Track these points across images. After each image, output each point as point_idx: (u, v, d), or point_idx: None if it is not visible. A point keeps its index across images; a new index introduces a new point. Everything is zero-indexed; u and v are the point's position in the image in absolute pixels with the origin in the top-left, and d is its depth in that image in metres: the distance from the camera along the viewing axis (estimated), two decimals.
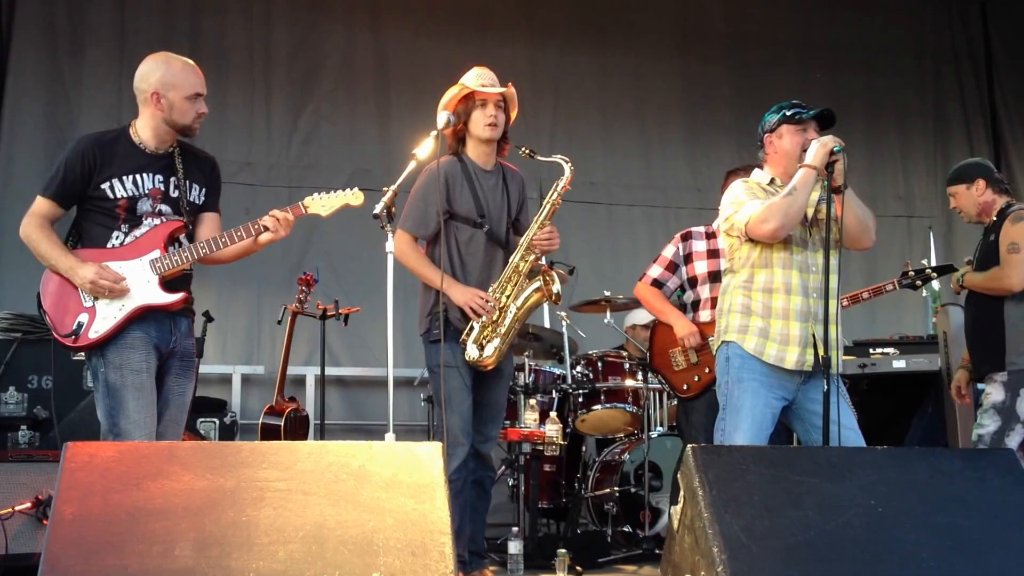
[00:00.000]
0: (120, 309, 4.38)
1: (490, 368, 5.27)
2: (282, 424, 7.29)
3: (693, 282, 6.27)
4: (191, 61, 4.63)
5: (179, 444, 3.02)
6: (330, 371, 8.42)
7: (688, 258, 6.30)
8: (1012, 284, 5.55)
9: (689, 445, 3.59)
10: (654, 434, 7.09)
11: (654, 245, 9.91)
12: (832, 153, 4.55)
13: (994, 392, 5.59)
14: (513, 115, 5.43)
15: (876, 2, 10.93)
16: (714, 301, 5.80)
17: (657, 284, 6.37)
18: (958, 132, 11.03)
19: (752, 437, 4.60)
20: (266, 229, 4.52)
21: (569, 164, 5.31)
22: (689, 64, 10.46)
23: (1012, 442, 5.45)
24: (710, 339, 5.55)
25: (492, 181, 5.41)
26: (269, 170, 9.23)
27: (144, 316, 4.42)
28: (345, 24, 9.66)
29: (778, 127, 4.84)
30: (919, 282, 5.48)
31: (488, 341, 5.23)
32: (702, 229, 6.36)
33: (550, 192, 5.33)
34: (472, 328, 5.22)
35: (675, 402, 7.16)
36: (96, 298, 4.39)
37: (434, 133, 4.92)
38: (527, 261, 5.29)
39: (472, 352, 5.21)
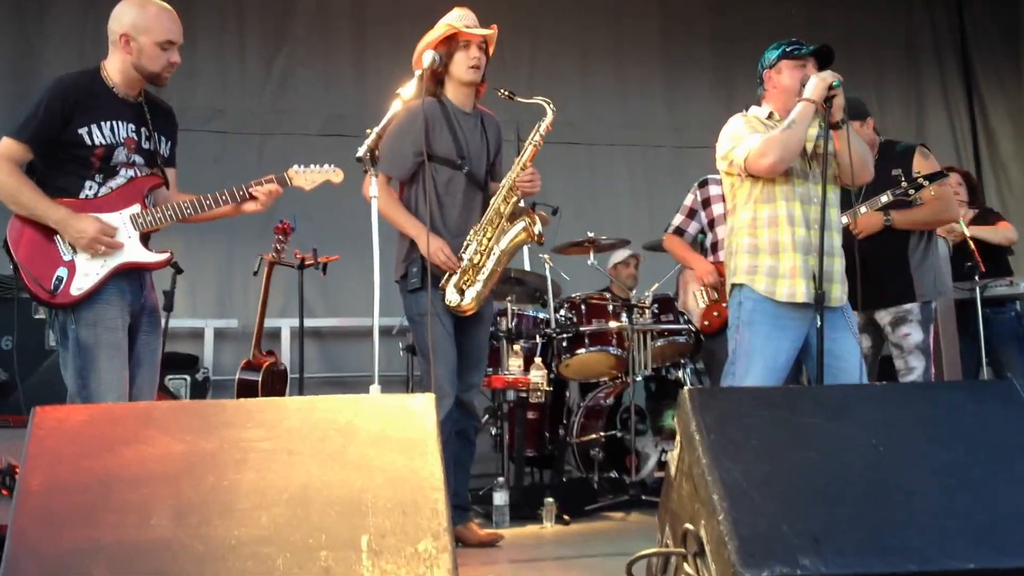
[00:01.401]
0: (103, 265, 4.20)
1: (470, 313, 5.17)
2: (260, 379, 7.15)
3: (712, 224, 6.50)
4: (170, 7, 4.41)
5: (157, 405, 2.84)
6: (306, 323, 8.30)
7: (706, 203, 6.57)
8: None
9: (684, 388, 3.49)
10: (639, 377, 6.98)
11: (633, 185, 9.97)
12: (831, 88, 4.50)
13: (913, 332, 5.60)
14: (490, 53, 5.30)
15: None
16: None
17: (679, 232, 6.61)
18: (930, 64, 11.12)
19: (765, 381, 4.52)
20: (253, 198, 4.46)
21: (551, 106, 5.17)
22: (666, 1, 10.34)
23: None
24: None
25: (471, 123, 5.31)
26: (241, 117, 9.08)
27: (119, 272, 4.24)
28: None
29: (777, 63, 4.81)
30: (912, 191, 5.41)
31: (469, 286, 5.13)
32: (718, 175, 6.34)
33: (532, 134, 5.20)
34: (452, 273, 5.13)
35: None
36: (75, 251, 4.18)
37: (419, 73, 4.81)
38: (509, 203, 5.19)
39: (452, 297, 5.11)
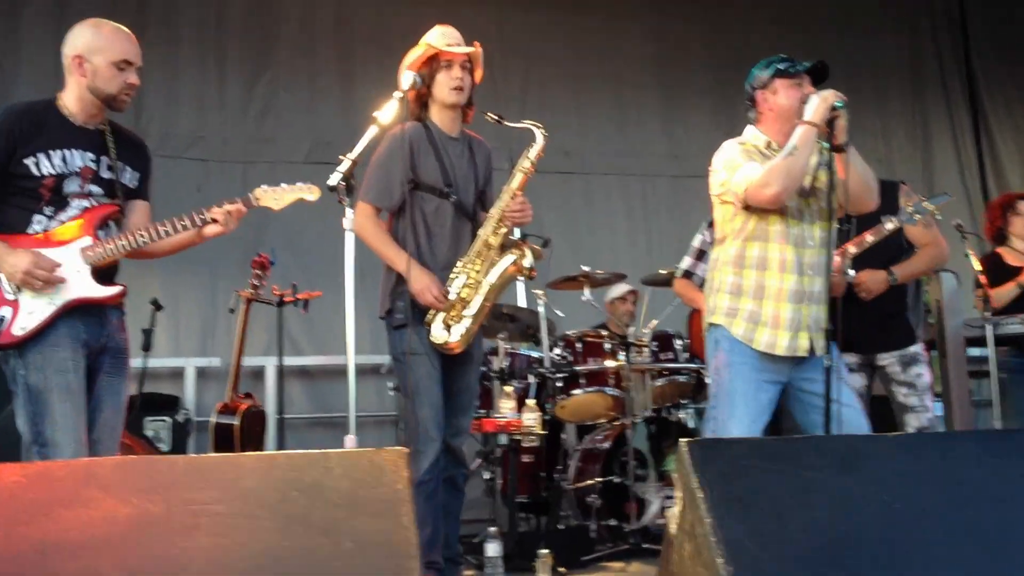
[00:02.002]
0: (49, 303, 4.02)
1: (457, 352, 4.93)
2: (237, 423, 6.95)
3: None
4: (125, 28, 4.27)
5: (99, 462, 2.64)
6: (291, 361, 8.21)
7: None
8: (947, 256, 5.74)
9: (682, 440, 3.31)
10: (638, 418, 6.81)
11: (630, 216, 9.87)
12: (834, 108, 4.30)
13: (925, 372, 5.52)
14: (478, 77, 5.10)
15: None
16: None
17: (687, 275, 6.47)
18: (935, 91, 11.06)
19: (748, 424, 4.39)
20: (214, 221, 4.25)
21: (541, 131, 4.97)
22: (664, 25, 10.27)
23: None
24: None
25: (458, 149, 5.08)
26: (223, 144, 8.94)
27: (71, 310, 4.06)
28: None
29: (771, 82, 4.58)
30: (918, 215, 5.31)
31: (456, 322, 4.89)
32: None
33: (521, 160, 4.99)
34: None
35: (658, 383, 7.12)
36: (20, 289, 4.01)
37: (398, 95, 4.57)
38: (498, 235, 4.96)
39: (438, 335, 4.87)
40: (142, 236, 4.14)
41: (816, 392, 4.31)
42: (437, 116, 5.03)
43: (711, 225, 6.22)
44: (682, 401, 7.30)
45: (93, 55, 4.14)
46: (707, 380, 6.97)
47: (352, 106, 9.05)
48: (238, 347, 7.20)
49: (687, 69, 10.24)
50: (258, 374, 8.45)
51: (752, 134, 4.67)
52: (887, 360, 5.53)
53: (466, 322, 4.90)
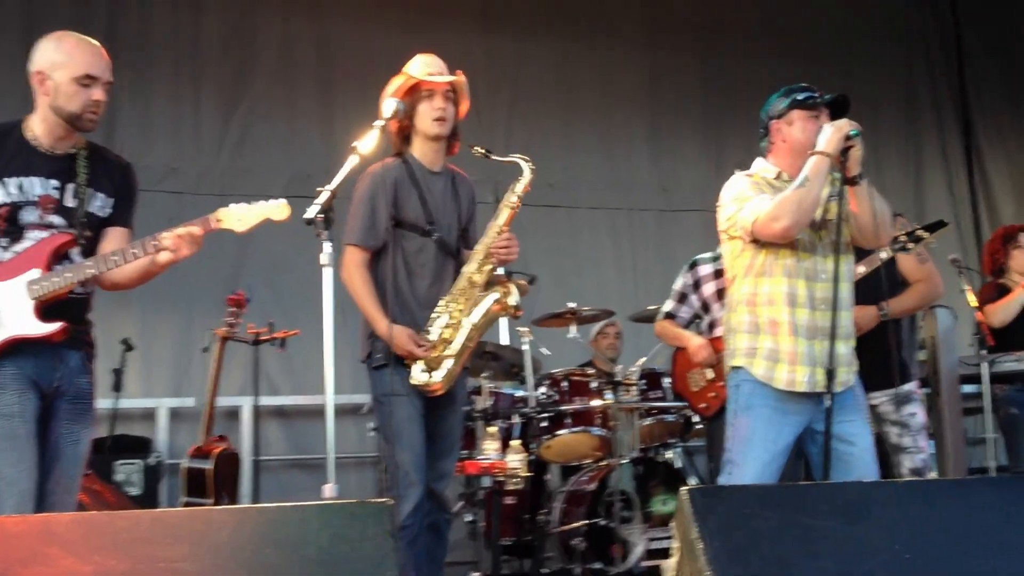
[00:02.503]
0: None
1: (440, 393, 4.78)
2: (211, 467, 6.80)
3: (706, 307, 6.36)
4: (92, 41, 4.05)
5: (57, 518, 2.49)
6: (268, 401, 8.11)
7: (697, 284, 6.39)
8: (941, 292, 5.77)
9: (682, 488, 3.21)
10: (625, 459, 6.67)
11: (618, 250, 9.79)
12: (848, 137, 4.19)
13: (919, 411, 5.53)
14: (464, 108, 4.97)
15: None
16: None
17: (670, 316, 6.50)
18: (929, 122, 11.06)
19: (761, 470, 4.28)
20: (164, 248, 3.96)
21: (529, 164, 4.88)
22: (655, 55, 10.21)
23: None
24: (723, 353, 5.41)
25: (440, 184, 4.96)
26: (198, 176, 8.79)
27: (19, 348, 3.83)
28: (283, 14, 9.26)
29: (787, 112, 4.47)
30: (911, 244, 5.38)
31: (437, 364, 4.75)
32: (707, 255, 6.38)
33: (507, 194, 4.88)
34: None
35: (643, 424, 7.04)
36: None
37: (379, 124, 4.45)
38: (483, 272, 4.84)
39: (419, 376, 4.73)
40: (89, 267, 3.90)
41: (832, 434, 4.19)
42: (419, 149, 4.90)
43: (692, 267, 6.34)
44: (670, 440, 7.24)
45: (54, 71, 3.94)
46: (695, 419, 6.94)
47: (332, 138, 8.95)
48: (212, 388, 7.04)
49: (677, 100, 10.18)
50: (233, 414, 8.29)
51: (761, 166, 4.57)
52: (879, 399, 5.50)
53: (448, 363, 4.77)
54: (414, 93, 4.82)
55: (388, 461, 4.81)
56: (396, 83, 4.86)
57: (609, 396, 6.87)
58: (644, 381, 7.07)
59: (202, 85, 8.95)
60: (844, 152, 4.21)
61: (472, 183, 5.15)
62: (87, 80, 3.94)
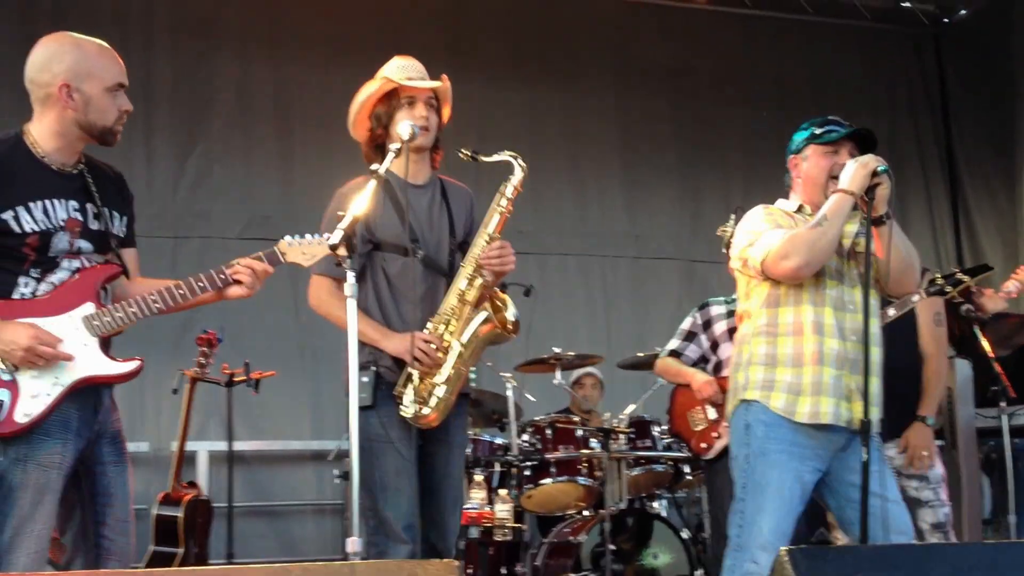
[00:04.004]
0: (55, 384, 3.57)
1: (434, 425, 4.38)
2: (181, 515, 6.66)
3: (715, 346, 6.07)
4: (105, 43, 3.82)
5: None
6: (221, 446, 7.84)
7: (707, 324, 6.13)
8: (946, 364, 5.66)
9: (782, 549, 3.08)
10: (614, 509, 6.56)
11: (591, 298, 9.73)
12: (875, 173, 4.03)
13: (938, 463, 5.38)
14: (446, 115, 4.69)
15: (825, 35, 10.91)
16: None
17: (675, 354, 6.20)
18: (914, 170, 11.07)
19: (779, 521, 4.03)
20: (237, 282, 3.80)
21: (519, 161, 4.55)
22: (627, 100, 10.23)
23: None
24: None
25: (426, 197, 4.60)
26: (150, 220, 8.55)
27: (73, 392, 3.60)
28: (240, 54, 9.24)
29: (804, 147, 4.33)
30: (949, 287, 5.17)
31: (430, 393, 4.37)
32: (720, 297, 6.21)
33: (497, 196, 4.52)
34: (409, 376, 4.35)
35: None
36: (17, 368, 3.54)
37: (395, 147, 4.21)
38: (475, 287, 4.43)
39: (409, 408, 4.33)
40: (155, 302, 3.70)
41: (856, 484, 3.98)
42: (398, 161, 4.40)
43: (704, 307, 6.14)
44: (656, 491, 7.18)
45: (83, 82, 3.66)
46: (685, 469, 6.83)
47: (291, 180, 8.99)
48: (182, 431, 6.93)
49: (649, 147, 10.20)
50: (189, 459, 8.07)
51: (783, 202, 4.46)
52: (894, 450, 5.33)
53: (439, 391, 4.38)
54: (391, 100, 4.53)
55: (369, 514, 4.38)
56: (370, 88, 4.57)
57: (595, 444, 6.77)
58: (633, 429, 6.95)
59: (154, 126, 8.86)
60: (870, 190, 4.06)
61: (470, 192, 4.82)
62: (118, 88, 3.75)
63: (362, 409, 4.18)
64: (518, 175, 4.55)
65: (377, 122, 4.49)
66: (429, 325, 4.42)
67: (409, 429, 4.37)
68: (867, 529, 3.87)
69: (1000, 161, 10.96)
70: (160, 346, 7.85)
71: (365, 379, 4.33)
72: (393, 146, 4.24)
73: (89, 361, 3.63)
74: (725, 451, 5.53)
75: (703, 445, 5.97)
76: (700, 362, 6.17)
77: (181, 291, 3.72)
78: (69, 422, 3.61)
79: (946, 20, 11.18)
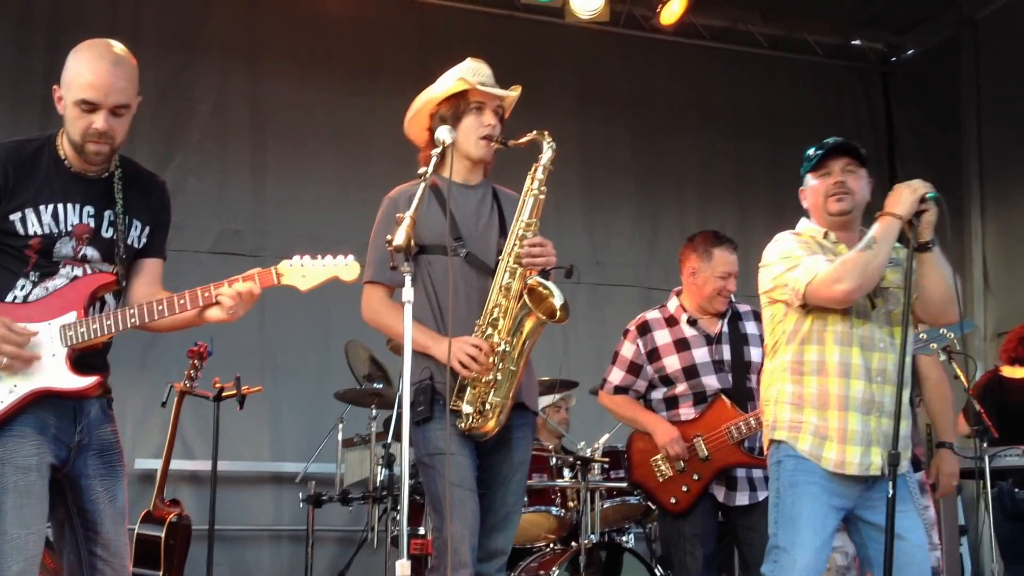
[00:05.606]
0: (12, 391, 3.56)
1: (492, 434, 4.27)
2: (163, 535, 6.59)
3: (666, 379, 5.78)
4: (119, 51, 3.75)
5: None
6: (182, 465, 8.04)
7: (653, 354, 5.82)
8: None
9: None
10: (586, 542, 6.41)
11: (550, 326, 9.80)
12: (923, 200, 4.08)
13: (931, 505, 5.50)
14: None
15: (780, 70, 11.14)
16: (696, 397, 5.60)
17: (620, 391, 5.94)
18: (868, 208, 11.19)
19: (814, 556, 4.12)
20: (218, 303, 3.70)
21: (547, 139, 4.46)
22: (587, 126, 10.34)
23: None
24: (696, 439, 5.43)
25: (476, 197, 4.53)
26: None
27: (40, 399, 3.59)
28: (219, 68, 9.32)
29: (805, 175, 4.49)
30: (933, 344, 5.38)
31: (484, 400, 4.23)
32: (657, 314, 5.93)
33: (528, 180, 4.43)
34: (464, 385, 4.23)
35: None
36: None
37: (436, 152, 4.23)
38: (516, 278, 4.30)
39: (466, 419, 4.23)
40: (132, 317, 3.66)
41: (876, 524, 4.09)
42: (454, 165, 4.37)
43: (644, 332, 5.82)
44: (626, 525, 7.08)
45: (64, 90, 3.67)
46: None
47: (263, 195, 9.07)
48: (168, 447, 6.89)
49: (609, 173, 10.34)
50: (148, 477, 8.15)
51: (806, 225, 4.48)
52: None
53: (496, 398, 4.25)
54: (459, 103, 4.44)
55: (435, 536, 4.27)
56: (442, 85, 4.48)
57: (568, 474, 6.64)
58: (607, 459, 6.77)
59: (137, 138, 8.82)
60: (917, 215, 4.08)
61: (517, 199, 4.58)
62: (84, 106, 3.63)
63: (420, 423, 4.25)
64: (547, 155, 4.47)
65: (440, 123, 4.39)
66: (475, 329, 4.30)
67: (468, 442, 4.29)
68: (891, 572, 3.93)
69: (946, 200, 11.30)
70: (135, 360, 8.08)
71: (422, 395, 4.26)
72: (435, 151, 4.23)
73: (50, 372, 3.61)
74: (695, 504, 5.59)
75: (672, 500, 5.70)
76: (650, 389, 5.87)
77: (160, 307, 3.67)
78: (46, 427, 3.62)
79: (894, 59, 11.45)
